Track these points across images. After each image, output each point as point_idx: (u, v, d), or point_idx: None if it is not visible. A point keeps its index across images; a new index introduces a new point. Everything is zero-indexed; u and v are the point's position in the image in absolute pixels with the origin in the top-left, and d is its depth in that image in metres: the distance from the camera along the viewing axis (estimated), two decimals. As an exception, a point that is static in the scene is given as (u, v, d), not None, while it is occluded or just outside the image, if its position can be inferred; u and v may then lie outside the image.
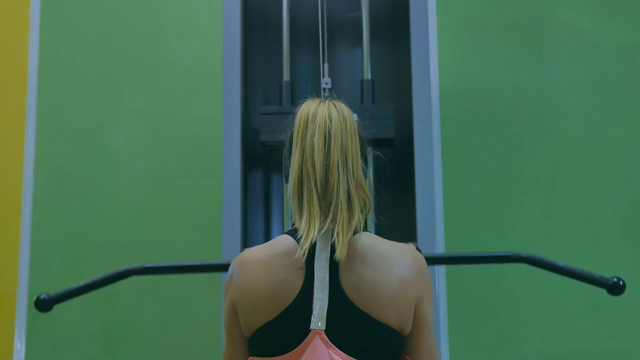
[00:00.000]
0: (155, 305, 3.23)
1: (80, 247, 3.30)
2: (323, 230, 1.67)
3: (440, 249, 3.09)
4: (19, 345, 3.25)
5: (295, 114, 1.77)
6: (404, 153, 2.77)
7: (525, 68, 3.24)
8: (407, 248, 1.77)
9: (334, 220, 1.68)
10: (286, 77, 2.81)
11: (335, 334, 1.66)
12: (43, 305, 2.08)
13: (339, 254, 1.63)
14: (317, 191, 1.68)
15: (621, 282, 1.97)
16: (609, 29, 3.24)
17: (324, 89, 2.80)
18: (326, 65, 2.84)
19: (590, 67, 3.22)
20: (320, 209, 1.68)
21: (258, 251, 1.74)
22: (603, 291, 3.06)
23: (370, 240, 1.71)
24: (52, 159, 3.38)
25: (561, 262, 2.00)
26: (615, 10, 3.26)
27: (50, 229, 3.33)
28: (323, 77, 2.83)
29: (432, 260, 1.97)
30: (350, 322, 1.67)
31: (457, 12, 3.28)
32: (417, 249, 1.87)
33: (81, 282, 2.10)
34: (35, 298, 2.08)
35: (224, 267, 1.99)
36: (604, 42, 3.20)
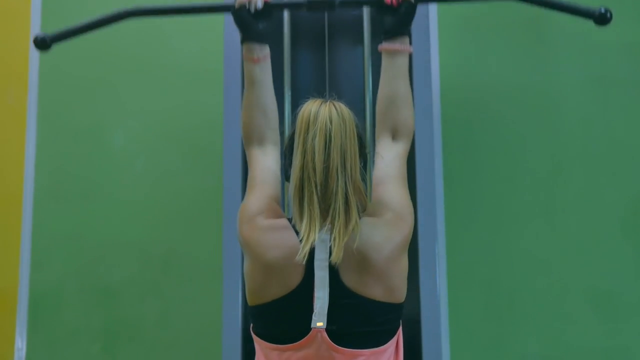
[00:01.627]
0: (156, 304, 3.23)
1: (81, 246, 3.30)
2: (323, 231, 1.70)
3: (441, 247, 3.09)
4: (20, 344, 3.26)
5: (297, 113, 1.79)
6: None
7: (526, 67, 3.24)
8: (395, 221, 1.78)
9: (332, 224, 1.70)
10: (287, 75, 2.81)
11: (339, 325, 1.67)
12: (42, 43, 2.04)
13: (335, 257, 1.67)
14: (317, 194, 1.72)
15: (608, 14, 1.97)
16: (610, 27, 3.23)
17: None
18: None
19: (592, 65, 3.21)
20: (320, 211, 1.71)
21: (263, 235, 1.77)
22: (603, 288, 3.07)
23: (365, 232, 1.73)
24: (52, 157, 3.39)
25: None
26: (616, 8, 3.25)
27: (51, 227, 3.34)
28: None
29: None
30: (355, 311, 1.69)
31: (458, 11, 3.27)
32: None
33: (79, 23, 2.07)
34: (34, 38, 2.04)
35: (226, 9, 1.99)
36: (605, 40, 3.20)
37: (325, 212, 1.72)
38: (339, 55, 2.96)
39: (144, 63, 3.41)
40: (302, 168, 1.74)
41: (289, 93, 2.79)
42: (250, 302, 1.77)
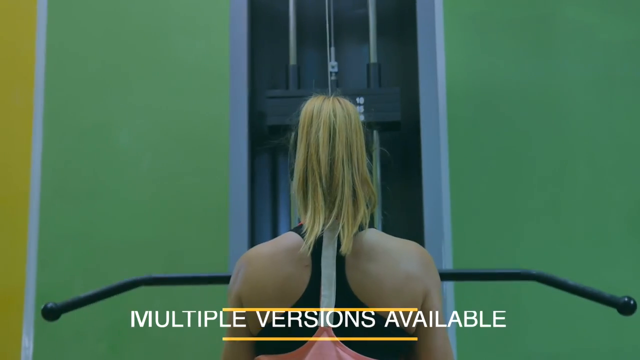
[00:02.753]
0: (162, 304, 3.23)
1: (87, 245, 3.31)
2: (328, 225, 1.68)
3: (447, 248, 3.09)
4: (27, 343, 3.26)
5: (299, 110, 1.78)
6: (411, 152, 2.77)
7: (532, 65, 3.23)
8: (413, 244, 1.77)
9: (339, 215, 1.68)
10: (292, 73, 2.81)
11: (342, 330, 1.66)
12: (50, 314, 2.08)
13: (344, 248, 1.64)
14: (322, 186, 1.69)
15: (632, 302, 1.94)
16: (616, 25, 3.23)
17: (331, 72, 2.79)
18: (333, 48, 2.83)
19: (598, 64, 3.21)
20: (325, 203, 1.68)
21: (264, 248, 1.75)
22: (611, 287, 3.06)
23: (375, 236, 1.71)
24: (59, 156, 3.39)
25: (570, 280, 1.99)
26: (622, 6, 3.25)
27: (58, 226, 3.34)
28: (330, 60, 2.82)
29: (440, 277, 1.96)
30: (356, 316, 1.67)
31: (464, 9, 3.27)
32: None
33: (89, 292, 2.10)
34: (42, 307, 2.07)
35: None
36: (611, 38, 3.20)
37: (331, 204, 1.69)
38: (344, 53, 2.96)
39: (150, 62, 3.41)
40: (306, 160, 1.71)
41: (295, 78, 2.79)
42: (257, 327, 1.73)
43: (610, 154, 3.13)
